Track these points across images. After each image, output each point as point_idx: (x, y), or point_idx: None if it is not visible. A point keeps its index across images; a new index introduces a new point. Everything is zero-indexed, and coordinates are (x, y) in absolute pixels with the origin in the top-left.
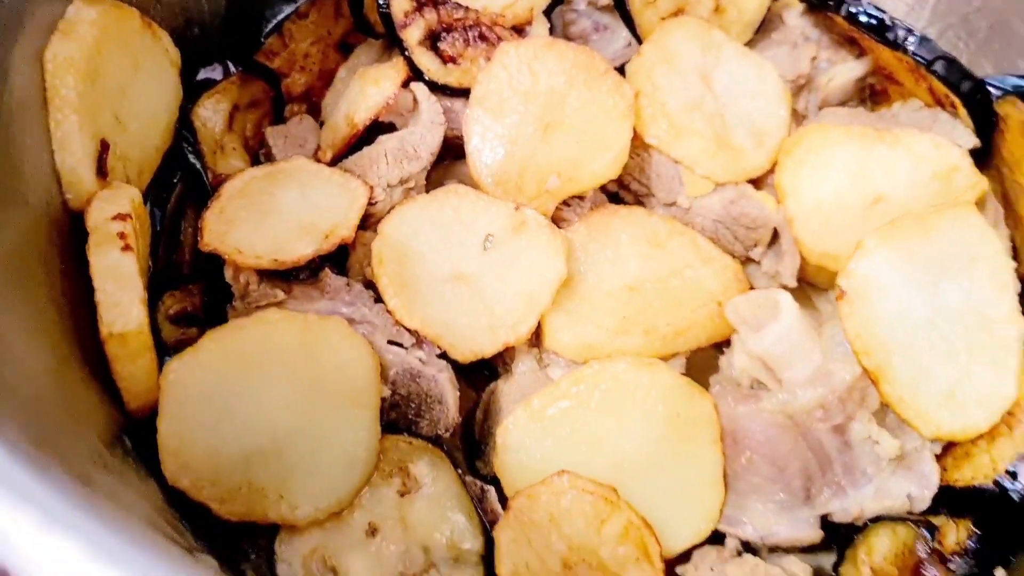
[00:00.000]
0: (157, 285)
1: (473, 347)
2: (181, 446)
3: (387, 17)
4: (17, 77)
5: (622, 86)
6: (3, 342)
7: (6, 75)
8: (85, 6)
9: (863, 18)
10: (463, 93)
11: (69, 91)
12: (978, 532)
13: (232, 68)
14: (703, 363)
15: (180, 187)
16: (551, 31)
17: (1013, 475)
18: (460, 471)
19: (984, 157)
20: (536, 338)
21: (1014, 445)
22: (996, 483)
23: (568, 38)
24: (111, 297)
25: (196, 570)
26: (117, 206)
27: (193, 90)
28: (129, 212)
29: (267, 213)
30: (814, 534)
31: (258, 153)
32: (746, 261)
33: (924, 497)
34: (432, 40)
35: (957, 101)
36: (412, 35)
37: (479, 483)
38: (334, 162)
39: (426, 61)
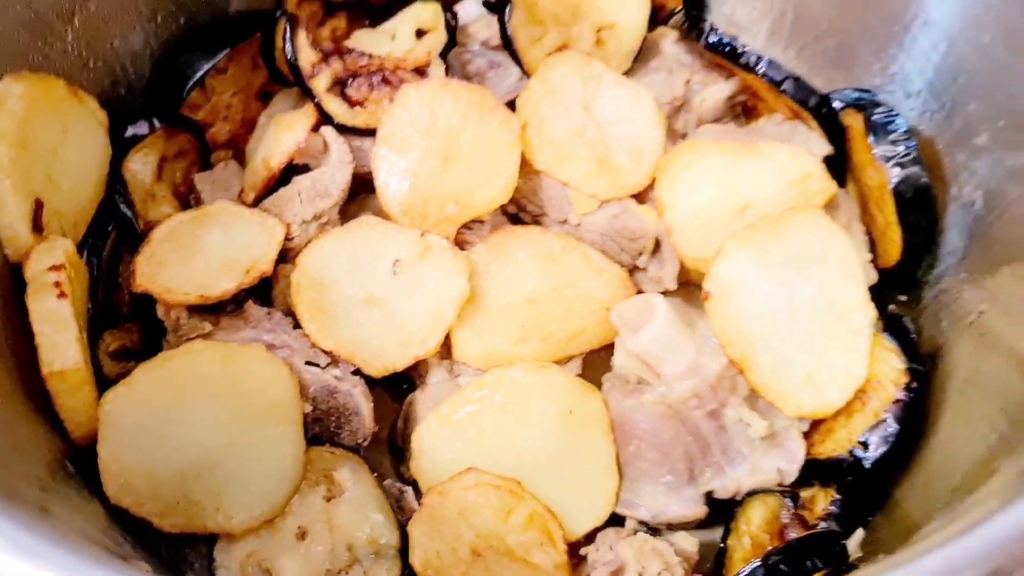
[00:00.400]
0: (97, 325)
1: (385, 363)
2: (121, 468)
3: (296, 69)
4: None
5: (510, 119)
6: None
7: None
8: (13, 82)
9: (719, 46)
10: (370, 132)
11: (2, 158)
12: (839, 497)
13: (157, 123)
14: (598, 363)
15: (114, 235)
16: (450, 71)
17: (865, 445)
18: (378, 475)
19: (843, 164)
20: (446, 351)
21: (865, 419)
22: (851, 453)
23: (466, 76)
24: (49, 339)
25: (132, 572)
26: (52, 258)
27: (123, 145)
28: (63, 263)
29: (194, 253)
30: (700, 510)
31: (188, 199)
32: (633, 269)
33: (792, 470)
34: (340, 86)
35: (807, 114)
36: (320, 84)
37: (397, 485)
38: (256, 202)
39: (334, 107)
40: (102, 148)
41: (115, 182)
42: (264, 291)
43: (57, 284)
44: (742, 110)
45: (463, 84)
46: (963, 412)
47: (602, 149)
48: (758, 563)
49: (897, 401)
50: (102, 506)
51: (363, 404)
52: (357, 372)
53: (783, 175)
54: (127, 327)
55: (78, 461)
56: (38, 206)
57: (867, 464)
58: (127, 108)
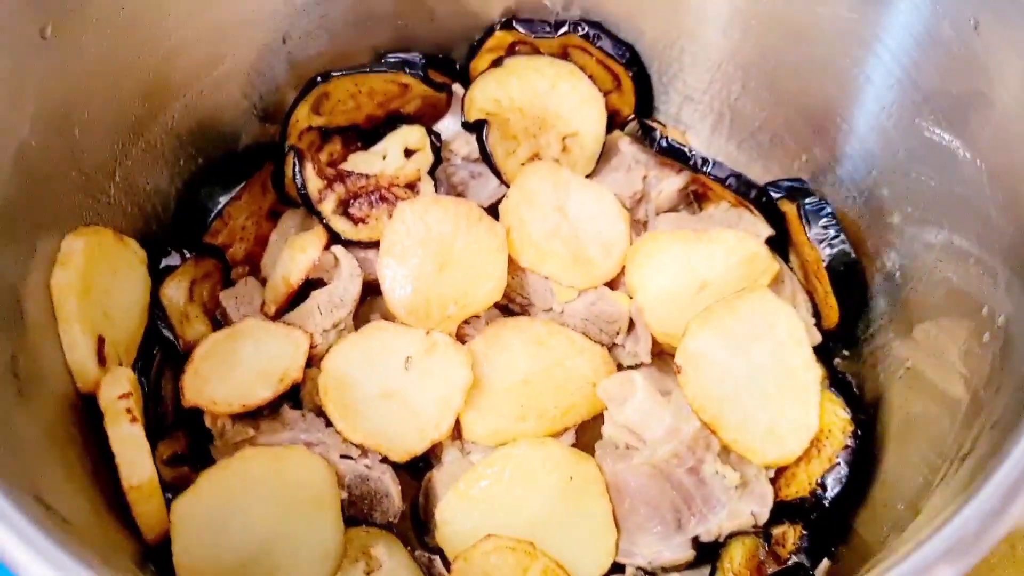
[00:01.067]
0: (150, 436)
1: (407, 448)
2: (192, 562)
3: (305, 196)
4: (30, 301)
5: (495, 227)
6: (55, 492)
7: (22, 300)
8: (73, 239)
9: (669, 151)
10: (374, 244)
11: (71, 307)
12: (806, 533)
13: (186, 252)
14: (590, 431)
15: (159, 355)
16: (437, 183)
17: (823, 486)
18: (410, 548)
19: (785, 241)
20: (457, 432)
21: (821, 464)
22: (812, 494)
23: (452, 186)
24: (127, 458)
25: None
26: (120, 387)
27: (159, 275)
28: (129, 390)
29: (232, 367)
30: (688, 554)
31: (215, 314)
32: (612, 346)
33: (764, 513)
34: (343, 207)
35: (749, 205)
36: (327, 207)
37: (427, 554)
38: (278, 314)
39: (341, 225)
40: (144, 281)
41: (155, 308)
42: (293, 393)
43: (128, 411)
44: (694, 197)
45: (451, 199)
46: (902, 450)
47: (575, 244)
48: None
49: (846, 447)
50: None
51: (392, 487)
52: (384, 459)
53: (733, 256)
54: (175, 435)
55: (155, 560)
56: (100, 342)
57: (826, 503)
58: (158, 241)
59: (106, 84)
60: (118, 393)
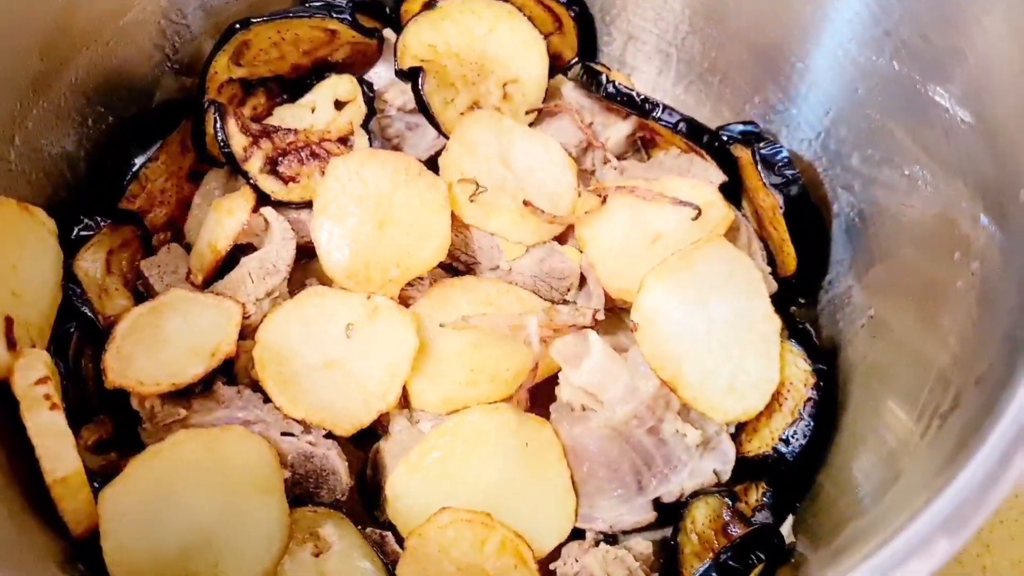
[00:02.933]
0: (72, 422)
1: (353, 421)
2: (125, 557)
3: (229, 155)
4: None
5: (436, 181)
6: None
7: None
8: None
9: (618, 96)
10: (306, 204)
11: None
12: (770, 489)
13: (101, 220)
14: (545, 395)
15: (76, 334)
16: (371, 135)
17: (786, 441)
18: (360, 525)
19: (737, 187)
20: (404, 401)
21: (784, 418)
22: (774, 450)
23: (387, 139)
24: (49, 450)
25: None
26: (36, 372)
27: (71, 246)
28: (47, 374)
29: (158, 343)
30: (650, 516)
31: (136, 286)
32: (564, 303)
33: (726, 470)
34: (271, 165)
35: (701, 151)
36: (254, 165)
37: (378, 531)
38: (206, 283)
39: (270, 185)
40: (55, 254)
41: (69, 283)
42: (226, 368)
43: (47, 396)
44: (641, 143)
45: (388, 152)
46: (867, 403)
47: (522, 198)
48: (710, 562)
49: (808, 399)
50: None
51: (339, 464)
52: (328, 435)
53: (686, 206)
54: (100, 420)
55: (84, 557)
56: (8, 323)
57: (790, 457)
58: (69, 209)
59: None
60: (34, 378)
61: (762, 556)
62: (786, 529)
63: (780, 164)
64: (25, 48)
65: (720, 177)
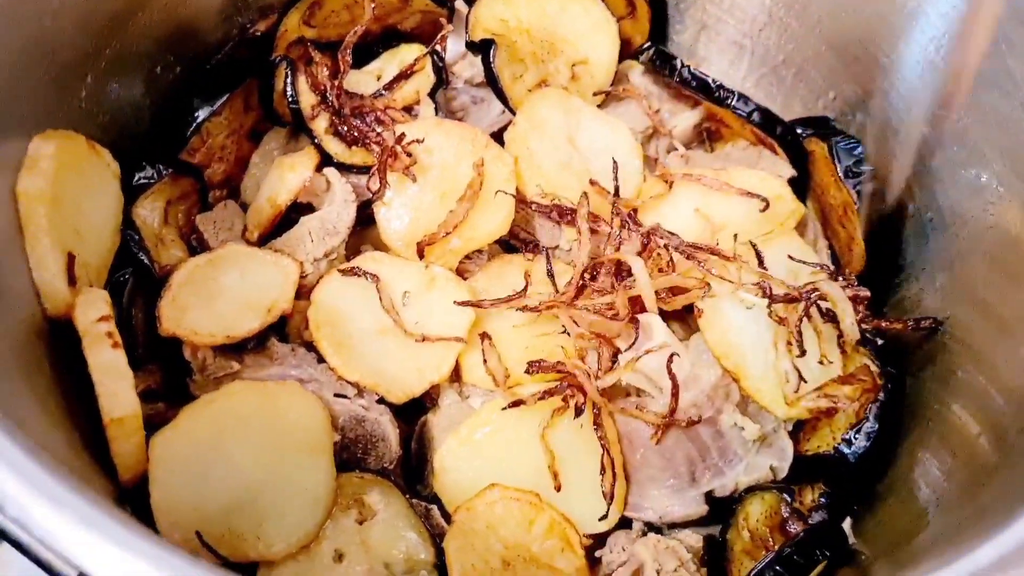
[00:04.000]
0: None
1: (405, 389)
2: (171, 507)
3: (297, 111)
4: None
5: (503, 155)
6: (27, 424)
7: None
8: (42, 142)
9: (692, 82)
10: (368, 169)
11: (40, 218)
12: (827, 490)
13: (162, 169)
14: None
15: (131, 281)
16: (436, 108)
17: (848, 442)
18: (407, 495)
19: (804, 183)
20: (455, 374)
21: (846, 418)
22: (835, 449)
23: (451, 112)
24: (108, 388)
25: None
26: (98, 310)
27: (132, 193)
28: (110, 313)
29: (214, 295)
30: (701, 509)
31: (191, 239)
32: None
33: (783, 467)
34: (336, 127)
35: (774, 143)
36: (319, 125)
37: (423, 503)
38: (261, 240)
39: (333, 146)
40: (117, 198)
41: (128, 229)
42: (278, 327)
43: (109, 335)
44: (707, 135)
45: (455, 123)
46: (931, 408)
47: (587, 178)
48: (773, 555)
49: (876, 401)
50: None
51: (390, 430)
52: (381, 400)
53: (754, 198)
54: (149, 369)
55: (131, 502)
56: (70, 260)
57: (851, 459)
58: (130, 156)
59: None
60: (97, 315)
61: (827, 553)
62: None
63: (857, 160)
64: None
65: (789, 171)
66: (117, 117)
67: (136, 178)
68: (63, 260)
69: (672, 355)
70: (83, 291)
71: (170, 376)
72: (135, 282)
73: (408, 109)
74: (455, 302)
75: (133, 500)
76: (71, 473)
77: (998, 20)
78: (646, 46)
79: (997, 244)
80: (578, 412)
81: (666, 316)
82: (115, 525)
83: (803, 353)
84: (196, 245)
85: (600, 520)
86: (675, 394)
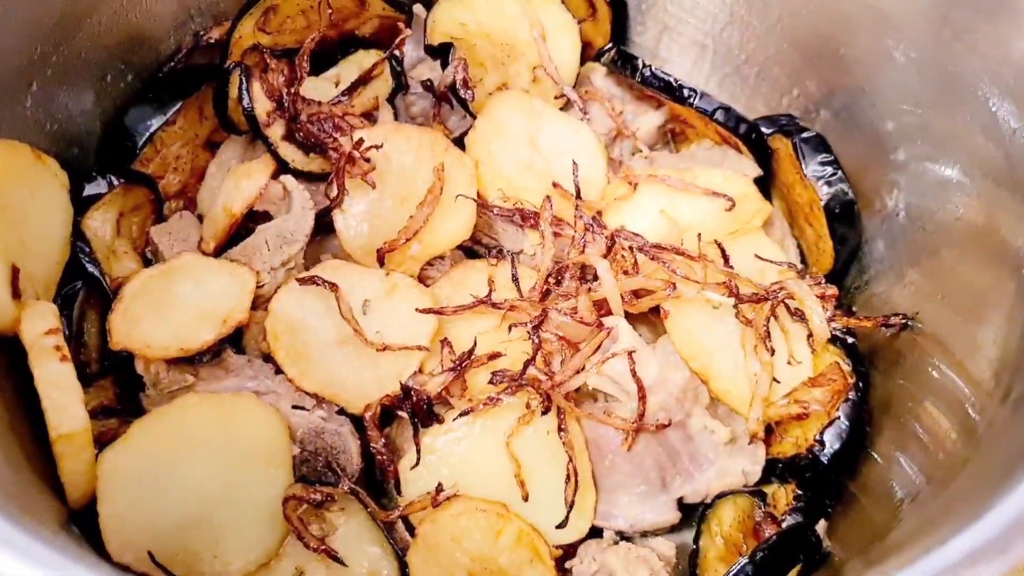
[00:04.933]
0: None
1: (366, 399)
2: (121, 526)
3: (252, 118)
4: None
5: (463, 159)
6: None
7: None
8: None
9: (654, 82)
10: (326, 176)
11: None
12: (801, 492)
13: (113, 180)
14: None
15: (82, 294)
16: (395, 114)
17: (821, 443)
18: (369, 509)
19: (768, 182)
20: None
21: (818, 419)
22: (808, 451)
23: (411, 118)
24: (56, 403)
25: None
26: (46, 322)
27: (82, 204)
28: (57, 326)
29: (167, 307)
30: (673, 516)
31: (145, 252)
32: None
33: (755, 471)
34: (292, 134)
35: (738, 141)
36: (275, 132)
37: (387, 515)
38: (218, 251)
39: (290, 153)
40: (65, 209)
41: (78, 241)
42: (234, 339)
43: (57, 348)
44: (671, 136)
45: (414, 127)
46: (903, 405)
47: (550, 180)
48: (745, 560)
49: (847, 400)
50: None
51: (351, 442)
52: (341, 411)
53: (719, 197)
54: (100, 385)
55: (79, 522)
56: (15, 272)
57: (824, 459)
58: (80, 167)
59: None
60: (44, 328)
61: (800, 556)
62: (820, 534)
63: (822, 157)
64: None
65: (755, 170)
66: (66, 126)
67: (86, 189)
68: (7, 272)
69: (639, 358)
70: (29, 304)
71: (124, 392)
72: (86, 295)
73: (367, 115)
74: (417, 309)
75: (82, 521)
76: (11, 498)
77: (956, 11)
78: (607, 48)
79: (965, 237)
80: (544, 412)
81: (632, 319)
82: (55, 555)
83: (772, 352)
84: (151, 257)
85: (558, 528)
86: (643, 398)
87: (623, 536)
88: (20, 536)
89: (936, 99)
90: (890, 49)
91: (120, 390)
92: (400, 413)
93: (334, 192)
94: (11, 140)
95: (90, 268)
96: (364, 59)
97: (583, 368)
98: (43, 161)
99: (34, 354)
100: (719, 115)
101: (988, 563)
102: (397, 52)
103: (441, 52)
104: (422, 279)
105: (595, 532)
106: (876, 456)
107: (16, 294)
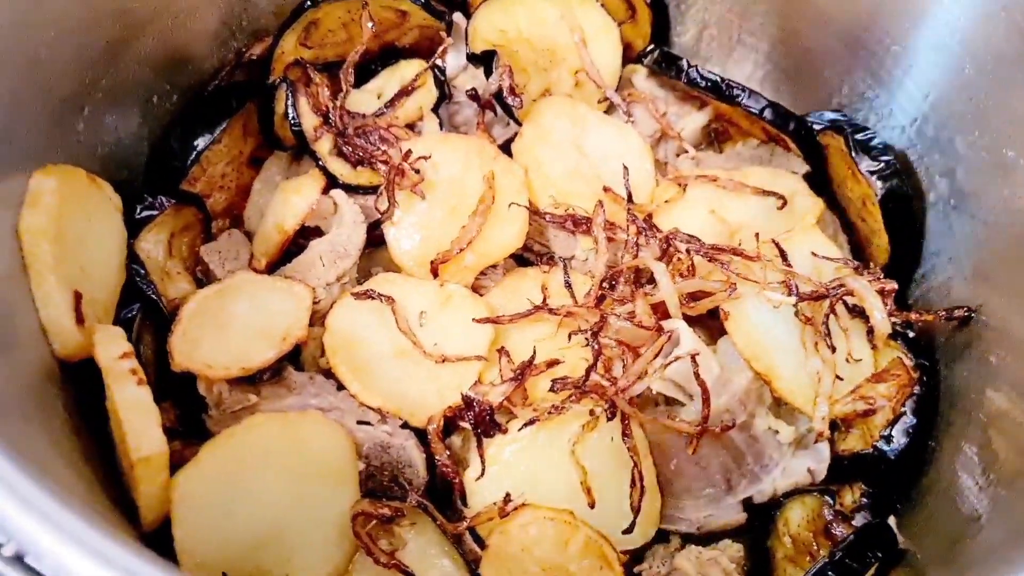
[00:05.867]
0: None
1: (428, 412)
2: (195, 547)
3: (300, 133)
4: None
5: (512, 166)
6: (47, 469)
7: None
8: (43, 177)
9: (701, 82)
10: (374, 190)
11: (45, 255)
12: (868, 490)
13: (164, 200)
14: None
15: (139, 317)
16: (440, 123)
17: (887, 439)
18: (438, 522)
19: (818, 178)
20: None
21: (883, 415)
22: (874, 447)
23: (455, 127)
24: (135, 426)
25: None
26: (119, 346)
27: (134, 226)
28: (131, 349)
29: (225, 327)
30: (740, 517)
31: (196, 272)
32: None
33: (821, 470)
34: (339, 148)
35: (787, 138)
36: (323, 147)
37: (455, 527)
38: (270, 268)
39: (338, 167)
40: (120, 232)
41: (133, 263)
42: (292, 357)
43: (133, 371)
44: (714, 136)
45: (460, 136)
46: (968, 398)
47: (598, 185)
48: (824, 562)
49: (913, 395)
50: None
51: (416, 456)
52: (404, 425)
53: (769, 195)
54: (163, 407)
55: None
56: (77, 297)
57: (891, 456)
58: (130, 189)
59: None
60: (118, 352)
61: (879, 554)
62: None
63: (875, 151)
64: (99, 14)
65: (803, 167)
66: (116, 149)
67: (138, 211)
68: (70, 298)
69: (701, 360)
70: (100, 328)
71: (185, 413)
72: (142, 318)
73: (411, 126)
74: (473, 319)
75: (154, 545)
76: (93, 517)
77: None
78: (649, 49)
79: (1021, 226)
80: (609, 418)
81: (690, 322)
82: (144, 566)
83: (834, 350)
84: (202, 277)
85: (624, 533)
86: (707, 400)
87: (689, 538)
88: (110, 545)
89: (992, 88)
90: (942, 39)
91: (181, 411)
92: (463, 424)
93: (384, 204)
94: (67, 165)
95: (147, 290)
96: (406, 70)
97: (646, 373)
98: (98, 185)
99: (111, 378)
100: (767, 113)
101: None
102: (439, 61)
103: (484, 60)
104: (475, 289)
105: (661, 536)
106: (945, 451)
107: (79, 319)
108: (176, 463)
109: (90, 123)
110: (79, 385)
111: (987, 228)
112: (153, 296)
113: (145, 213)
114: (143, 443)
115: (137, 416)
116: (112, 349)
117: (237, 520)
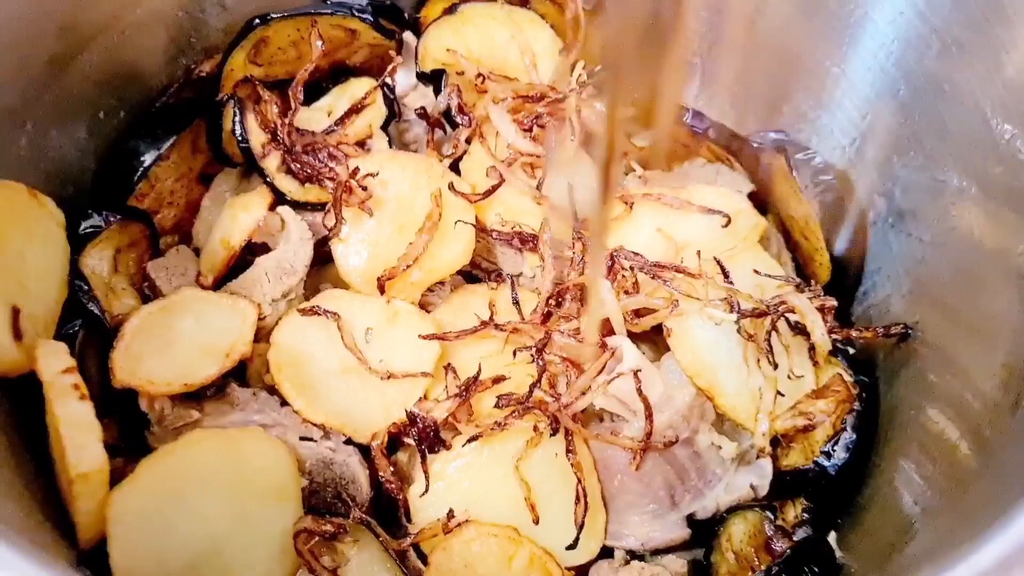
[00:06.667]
0: None
1: (372, 428)
2: (132, 566)
3: (247, 151)
4: None
5: (460, 184)
6: None
7: None
8: None
9: None
10: (322, 206)
11: None
12: (809, 505)
13: (109, 216)
14: None
15: (81, 333)
16: (389, 141)
17: (827, 454)
18: (380, 538)
19: (762, 198)
20: None
21: (823, 430)
22: (815, 463)
23: (404, 144)
24: (76, 442)
25: None
26: (61, 361)
27: (78, 242)
28: (73, 364)
29: (169, 343)
30: (684, 533)
31: (142, 288)
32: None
33: (763, 485)
34: (287, 165)
35: (731, 158)
36: (271, 164)
37: (398, 543)
38: (216, 284)
39: (286, 184)
40: (62, 248)
41: (76, 279)
42: (237, 373)
43: (75, 386)
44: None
45: (409, 154)
46: (907, 414)
47: (547, 204)
48: (760, 575)
49: (852, 411)
50: None
51: (359, 472)
52: (348, 441)
53: (714, 214)
54: (104, 423)
55: (88, 564)
56: (15, 313)
57: (832, 471)
58: (75, 204)
59: (18, 9)
60: (61, 367)
61: (815, 569)
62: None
63: (815, 171)
64: (42, 28)
65: (748, 186)
66: (60, 164)
67: (83, 226)
68: (7, 314)
69: (644, 377)
70: (42, 343)
71: (127, 429)
72: (86, 333)
73: (361, 144)
74: (420, 336)
75: (92, 564)
76: (23, 538)
77: (946, 23)
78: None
79: (960, 245)
80: (552, 434)
81: (634, 338)
82: None
83: (776, 367)
84: (149, 293)
85: (569, 550)
86: (649, 416)
87: (634, 555)
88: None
89: (926, 109)
90: (879, 61)
91: (124, 428)
92: (407, 440)
93: (331, 221)
94: (7, 180)
95: (90, 307)
96: (356, 88)
97: (589, 389)
98: (39, 200)
99: (53, 393)
100: (711, 133)
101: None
102: (389, 80)
103: (433, 79)
104: (423, 305)
105: (606, 552)
106: (884, 467)
107: (17, 335)
108: (118, 480)
109: (33, 138)
110: (16, 401)
111: (923, 246)
112: (96, 312)
113: (90, 229)
114: (83, 459)
115: (78, 432)
116: (54, 364)
117: (175, 537)
